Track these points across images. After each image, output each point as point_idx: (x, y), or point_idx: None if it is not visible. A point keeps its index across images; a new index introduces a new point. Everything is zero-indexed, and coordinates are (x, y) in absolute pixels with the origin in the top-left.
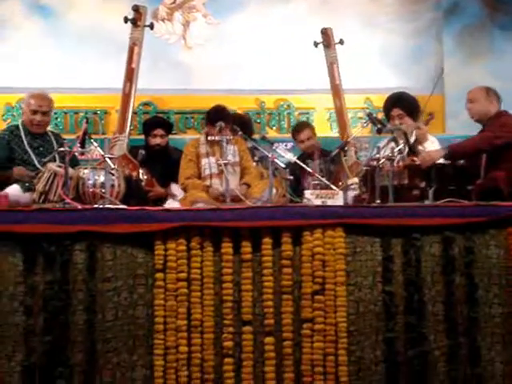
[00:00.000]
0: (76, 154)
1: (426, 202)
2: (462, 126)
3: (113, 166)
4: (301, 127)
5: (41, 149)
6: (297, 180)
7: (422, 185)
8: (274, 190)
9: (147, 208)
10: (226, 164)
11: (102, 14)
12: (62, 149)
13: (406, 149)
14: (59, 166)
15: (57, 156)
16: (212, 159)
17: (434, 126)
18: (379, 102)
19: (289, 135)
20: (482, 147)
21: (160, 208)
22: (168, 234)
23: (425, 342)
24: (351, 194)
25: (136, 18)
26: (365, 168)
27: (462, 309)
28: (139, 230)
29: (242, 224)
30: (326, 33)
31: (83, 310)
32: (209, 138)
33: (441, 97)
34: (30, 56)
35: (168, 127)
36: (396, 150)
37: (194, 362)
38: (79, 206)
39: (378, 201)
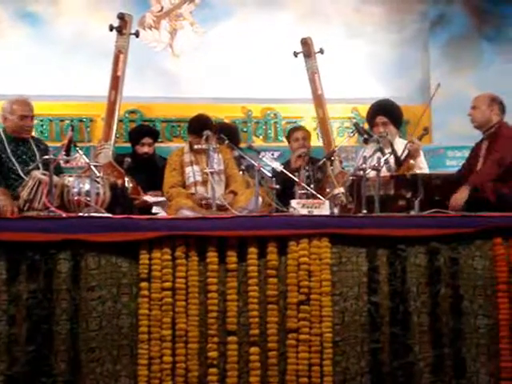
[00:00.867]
0: (61, 161)
1: (412, 213)
2: (449, 137)
3: (98, 174)
4: (299, 127)
5: (24, 157)
6: (283, 189)
7: (408, 195)
8: (260, 199)
9: (132, 216)
10: (212, 173)
11: (88, 21)
12: (46, 157)
13: (392, 159)
14: (44, 174)
15: (40, 164)
16: (196, 168)
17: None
18: (365, 112)
19: (276, 144)
20: (497, 171)
21: (145, 217)
22: (153, 243)
23: (410, 352)
24: (337, 204)
25: (121, 26)
26: (351, 178)
27: (448, 320)
28: (124, 239)
29: (228, 233)
30: (305, 42)
31: (67, 319)
32: (195, 146)
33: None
34: (16, 63)
35: (155, 135)
36: (382, 159)
37: (179, 372)
38: (64, 215)
39: (364, 211)
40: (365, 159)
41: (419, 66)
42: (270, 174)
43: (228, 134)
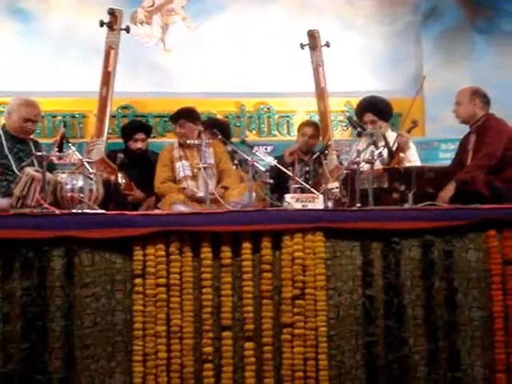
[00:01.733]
0: (53, 158)
1: (406, 206)
2: (442, 130)
3: (91, 171)
4: (310, 123)
5: (20, 154)
6: (277, 184)
7: (402, 188)
8: (254, 194)
9: (126, 213)
10: (205, 168)
11: (78, 17)
12: (39, 153)
13: (386, 152)
14: (37, 171)
15: (35, 161)
16: (185, 162)
17: (414, 130)
18: None
19: (269, 138)
20: (489, 164)
21: (138, 212)
22: (147, 239)
23: (405, 346)
24: (331, 198)
25: (112, 22)
26: (345, 171)
27: (442, 312)
28: (118, 235)
29: (222, 228)
30: (312, 35)
31: (61, 316)
32: (188, 142)
33: (420, 100)
34: (7, 59)
35: (148, 131)
36: (376, 153)
37: (174, 367)
38: (57, 211)
39: (358, 204)
40: (358, 153)
41: (412, 59)
42: (263, 169)
43: (220, 129)
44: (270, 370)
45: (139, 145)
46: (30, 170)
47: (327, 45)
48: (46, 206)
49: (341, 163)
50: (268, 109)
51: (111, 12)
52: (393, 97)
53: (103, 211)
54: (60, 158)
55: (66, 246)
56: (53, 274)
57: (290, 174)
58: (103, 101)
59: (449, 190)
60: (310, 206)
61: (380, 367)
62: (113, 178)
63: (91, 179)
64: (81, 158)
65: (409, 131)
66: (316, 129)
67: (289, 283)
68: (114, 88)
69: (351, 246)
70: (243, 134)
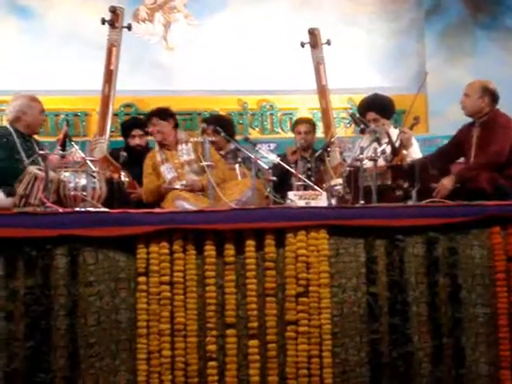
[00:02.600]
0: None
1: (410, 203)
2: (445, 126)
3: (94, 169)
4: (302, 120)
5: (30, 152)
6: (280, 181)
7: (406, 185)
8: (255, 191)
9: (129, 211)
10: (208, 166)
11: (80, 15)
12: (42, 152)
13: (389, 149)
14: (40, 169)
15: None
16: (168, 165)
17: (417, 126)
18: None
19: (272, 136)
20: (496, 162)
21: (142, 211)
22: (150, 237)
23: (409, 343)
24: (334, 195)
25: (113, 20)
26: (348, 169)
27: (446, 309)
28: (121, 234)
29: (225, 226)
30: (313, 33)
31: (65, 314)
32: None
33: (423, 96)
34: (8, 57)
35: (145, 127)
36: (379, 150)
37: (178, 366)
38: (60, 210)
39: (362, 201)
40: (362, 149)
41: (415, 55)
42: (266, 166)
43: (223, 125)
44: (274, 368)
45: (137, 141)
46: (32, 169)
47: (328, 43)
48: (49, 204)
49: (344, 160)
50: (271, 106)
51: (113, 10)
52: (396, 93)
53: (106, 209)
54: (63, 157)
55: (70, 245)
56: (56, 272)
57: (292, 171)
58: (105, 99)
59: (449, 183)
60: (313, 203)
61: (384, 364)
62: (116, 176)
63: (94, 177)
64: (84, 156)
65: (411, 128)
66: (309, 124)
67: (292, 281)
68: (116, 86)
69: (355, 243)
70: (246, 131)
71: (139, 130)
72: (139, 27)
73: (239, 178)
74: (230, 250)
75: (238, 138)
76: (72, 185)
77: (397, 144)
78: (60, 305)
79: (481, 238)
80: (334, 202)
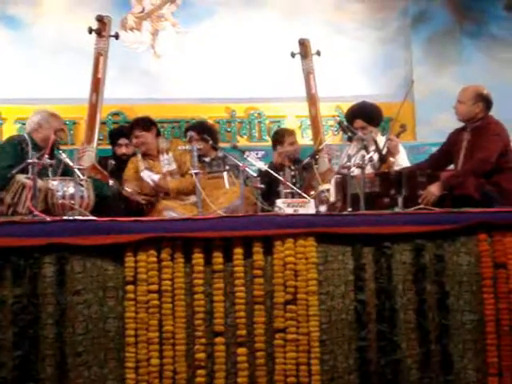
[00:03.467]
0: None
1: (396, 210)
2: (433, 133)
3: (82, 177)
4: (291, 131)
5: None
6: (268, 189)
7: (393, 192)
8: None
9: (117, 219)
10: (196, 173)
11: (68, 24)
12: (29, 160)
13: (377, 156)
14: (27, 178)
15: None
16: (148, 173)
17: (405, 134)
18: None
19: (260, 144)
20: (484, 169)
21: (130, 219)
22: (138, 245)
23: (397, 350)
24: (323, 201)
25: (100, 29)
26: (336, 176)
27: (434, 316)
28: (109, 242)
29: (213, 234)
30: (303, 43)
31: (53, 323)
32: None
33: (411, 104)
34: None
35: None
36: (366, 157)
37: (166, 374)
38: (48, 218)
39: (350, 209)
40: (349, 157)
41: (402, 63)
42: (255, 174)
43: (208, 133)
44: (263, 376)
45: (123, 150)
46: (20, 177)
47: (318, 53)
48: (37, 213)
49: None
50: (259, 114)
51: (100, 19)
52: (383, 101)
53: (94, 218)
54: (50, 165)
55: (58, 253)
56: (44, 281)
57: (281, 178)
58: (93, 107)
59: (436, 189)
60: (302, 210)
61: (373, 371)
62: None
63: (82, 186)
64: (71, 164)
65: (397, 135)
66: (293, 133)
67: (281, 288)
68: (104, 94)
69: (343, 250)
70: (234, 139)
71: (126, 139)
72: (127, 36)
73: (227, 185)
74: (218, 258)
75: (226, 145)
76: (60, 193)
77: (384, 151)
78: (48, 313)
79: (468, 245)
80: (323, 208)
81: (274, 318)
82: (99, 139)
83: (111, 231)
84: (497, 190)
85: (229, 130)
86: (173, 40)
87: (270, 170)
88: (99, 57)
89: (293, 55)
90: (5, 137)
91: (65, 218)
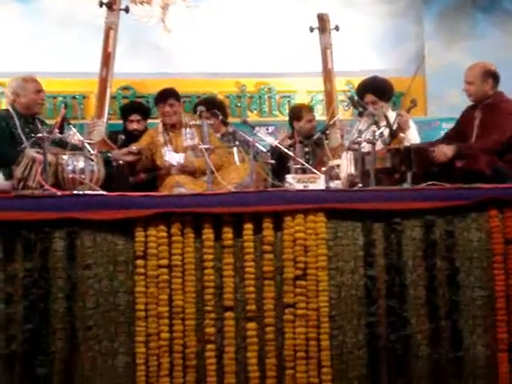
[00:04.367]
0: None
1: (405, 186)
2: (444, 109)
3: (92, 152)
4: (309, 108)
5: (32, 134)
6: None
7: (403, 168)
8: (255, 175)
9: (127, 194)
10: (207, 149)
11: None
12: (39, 135)
13: (387, 132)
14: (38, 152)
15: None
16: (170, 147)
17: (416, 109)
18: None
19: (270, 119)
20: (495, 148)
21: (140, 194)
22: (148, 220)
23: (407, 325)
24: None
25: (111, 2)
26: (351, 152)
27: (444, 292)
28: (119, 217)
29: (223, 210)
30: (322, 18)
31: (63, 297)
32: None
33: (422, 79)
34: (6, 41)
35: (145, 112)
36: (377, 133)
37: (176, 348)
38: (58, 193)
39: (360, 185)
40: (360, 132)
41: (413, 38)
42: (265, 149)
43: (218, 108)
44: (272, 351)
45: (135, 125)
46: (30, 152)
47: (336, 28)
48: (47, 187)
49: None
50: (269, 89)
51: None
52: (394, 76)
53: (105, 192)
54: (60, 140)
55: (68, 228)
56: (55, 255)
57: (291, 154)
58: (103, 82)
59: (450, 150)
60: (312, 186)
61: (382, 347)
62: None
63: (92, 160)
64: (82, 139)
65: (408, 111)
66: (311, 109)
67: (290, 264)
68: (114, 69)
69: (353, 226)
70: (244, 114)
71: (137, 114)
72: (137, 9)
73: (237, 161)
74: (228, 234)
75: (236, 120)
76: (70, 167)
77: (394, 127)
78: (58, 288)
79: (479, 221)
80: (333, 184)
81: (284, 293)
82: (109, 114)
83: (121, 206)
84: (508, 167)
85: (239, 104)
86: (183, 14)
87: (279, 145)
88: (109, 31)
89: (311, 29)
90: None
91: (75, 192)
